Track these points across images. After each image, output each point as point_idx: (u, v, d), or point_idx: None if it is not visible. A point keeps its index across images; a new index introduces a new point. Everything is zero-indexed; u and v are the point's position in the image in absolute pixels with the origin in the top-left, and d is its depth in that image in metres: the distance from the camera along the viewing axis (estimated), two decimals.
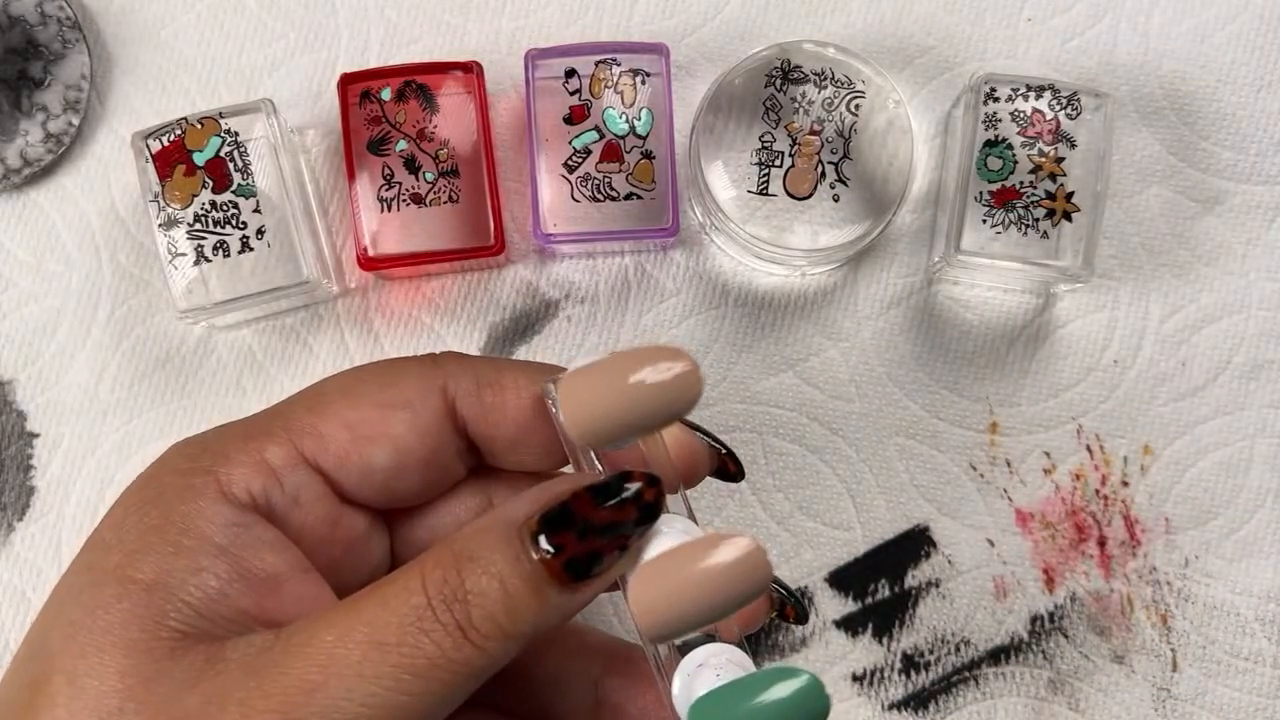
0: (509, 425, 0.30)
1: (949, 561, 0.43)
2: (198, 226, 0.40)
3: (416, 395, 0.29)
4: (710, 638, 0.29)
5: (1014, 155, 0.41)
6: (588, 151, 0.41)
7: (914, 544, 0.43)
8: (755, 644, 0.43)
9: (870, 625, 0.42)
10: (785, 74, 0.42)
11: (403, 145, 0.41)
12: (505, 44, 0.44)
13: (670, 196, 0.41)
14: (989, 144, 0.41)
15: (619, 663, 0.32)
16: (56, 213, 0.43)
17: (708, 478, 0.33)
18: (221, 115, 0.40)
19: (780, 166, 0.41)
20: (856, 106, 0.41)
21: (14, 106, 0.43)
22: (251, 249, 0.40)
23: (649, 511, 0.27)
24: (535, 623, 0.26)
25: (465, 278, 0.43)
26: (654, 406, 0.27)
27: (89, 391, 0.43)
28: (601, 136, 0.41)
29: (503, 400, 0.30)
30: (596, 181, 0.41)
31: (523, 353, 0.43)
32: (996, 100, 0.41)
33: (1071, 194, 0.41)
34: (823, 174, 0.41)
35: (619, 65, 0.41)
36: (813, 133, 0.41)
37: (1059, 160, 0.41)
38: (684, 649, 0.28)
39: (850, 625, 0.43)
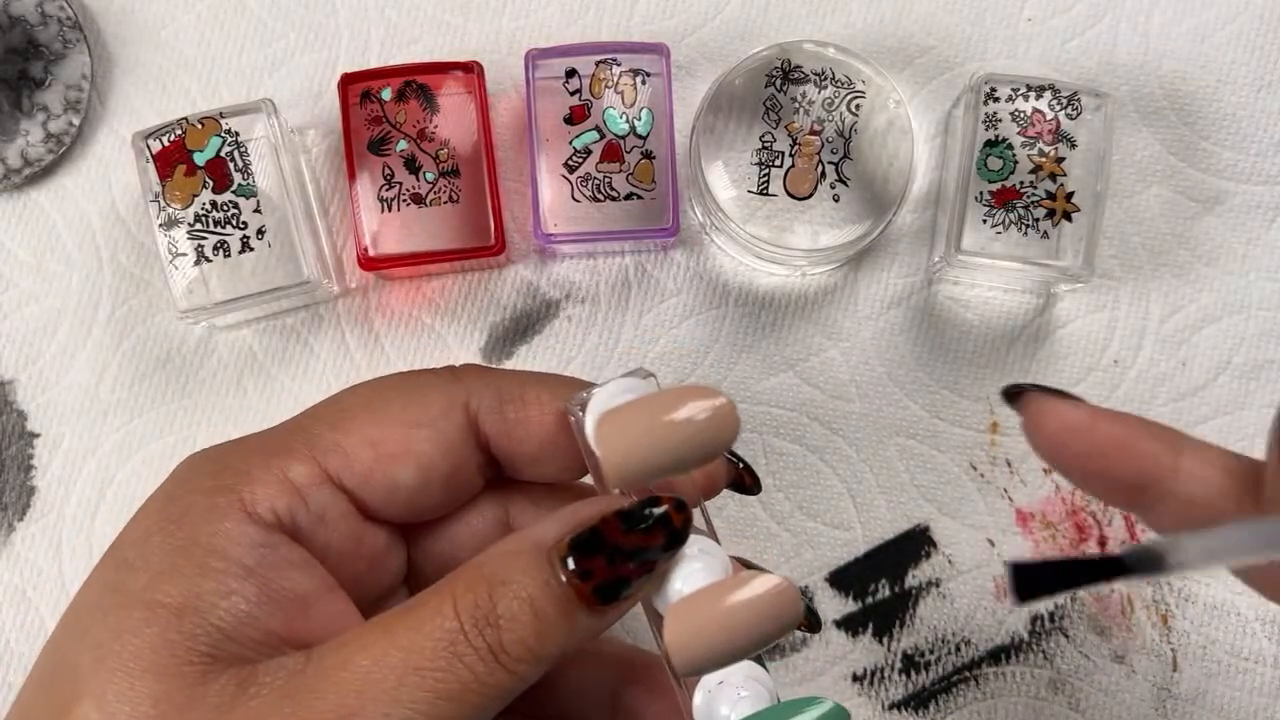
0: (531, 440, 0.30)
1: (949, 561, 0.43)
2: (198, 226, 0.40)
3: (440, 412, 0.29)
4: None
5: (1014, 155, 0.41)
6: (588, 151, 0.41)
7: (914, 544, 0.43)
8: None
9: (870, 625, 0.43)
10: (785, 74, 0.42)
11: (403, 145, 0.41)
12: (505, 44, 0.44)
13: (670, 196, 0.41)
14: (989, 144, 0.41)
15: (637, 672, 0.32)
16: (57, 213, 0.43)
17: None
18: (222, 115, 0.40)
19: (780, 166, 0.41)
20: (857, 106, 0.41)
21: (14, 106, 0.43)
22: (252, 249, 0.40)
23: (677, 536, 0.27)
24: (564, 645, 0.26)
25: (465, 278, 0.43)
26: (692, 448, 0.27)
27: (89, 391, 0.43)
28: (602, 136, 0.41)
29: (525, 416, 0.30)
30: (597, 181, 0.41)
31: (523, 352, 0.43)
32: (997, 100, 0.41)
33: (1072, 194, 0.41)
34: (823, 174, 0.41)
35: (619, 65, 0.41)
36: (813, 133, 0.41)
37: (1059, 160, 0.41)
38: None
39: (850, 625, 0.43)
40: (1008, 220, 0.41)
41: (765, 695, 0.28)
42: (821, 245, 0.41)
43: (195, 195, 0.40)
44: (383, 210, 0.41)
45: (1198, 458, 0.25)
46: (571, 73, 0.41)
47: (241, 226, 0.40)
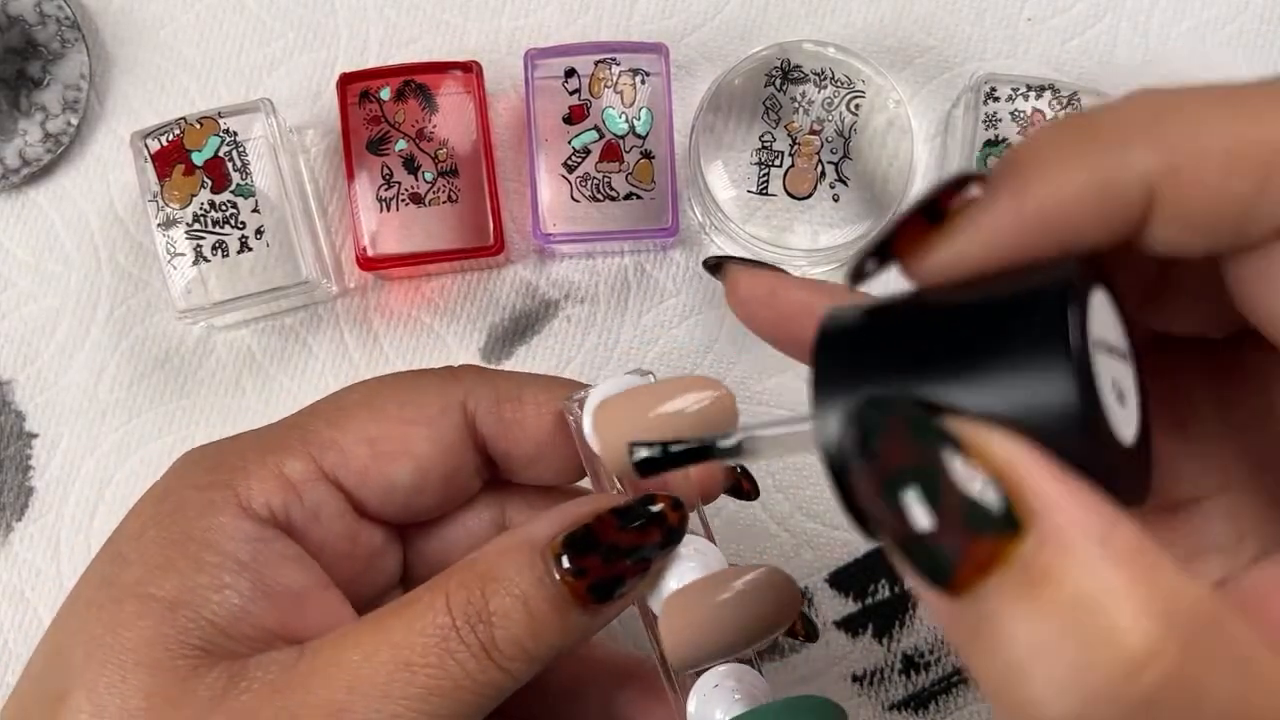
0: (528, 442, 0.30)
1: None
2: (196, 226, 0.40)
3: (437, 411, 0.29)
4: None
5: None
6: (587, 151, 0.41)
7: None
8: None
9: (870, 626, 0.42)
10: (785, 74, 0.42)
11: (402, 145, 0.41)
12: (505, 43, 0.44)
13: (670, 196, 0.41)
14: (989, 144, 0.41)
15: (631, 677, 0.32)
16: (55, 212, 0.43)
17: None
18: (220, 115, 0.40)
19: (780, 166, 0.41)
20: (856, 106, 0.41)
21: (13, 106, 0.43)
22: (250, 249, 0.40)
23: (673, 534, 0.27)
24: (558, 644, 0.26)
25: (465, 278, 0.43)
26: (688, 436, 0.27)
27: (88, 391, 0.43)
28: (601, 136, 0.41)
29: (522, 416, 0.30)
30: (596, 181, 0.41)
31: (522, 353, 0.43)
32: (997, 100, 0.41)
33: None
34: (823, 174, 0.41)
35: (619, 65, 0.41)
36: (813, 132, 0.41)
37: None
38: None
39: (850, 626, 0.42)
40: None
41: (760, 699, 0.28)
42: (821, 245, 0.41)
43: (193, 195, 0.40)
44: (381, 210, 0.41)
45: None
46: (571, 72, 0.41)
47: (240, 226, 0.40)
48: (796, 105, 0.41)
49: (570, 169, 0.41)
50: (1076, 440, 0.17)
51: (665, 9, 0.44)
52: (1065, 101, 0.41)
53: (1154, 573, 0.16)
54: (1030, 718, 0.16)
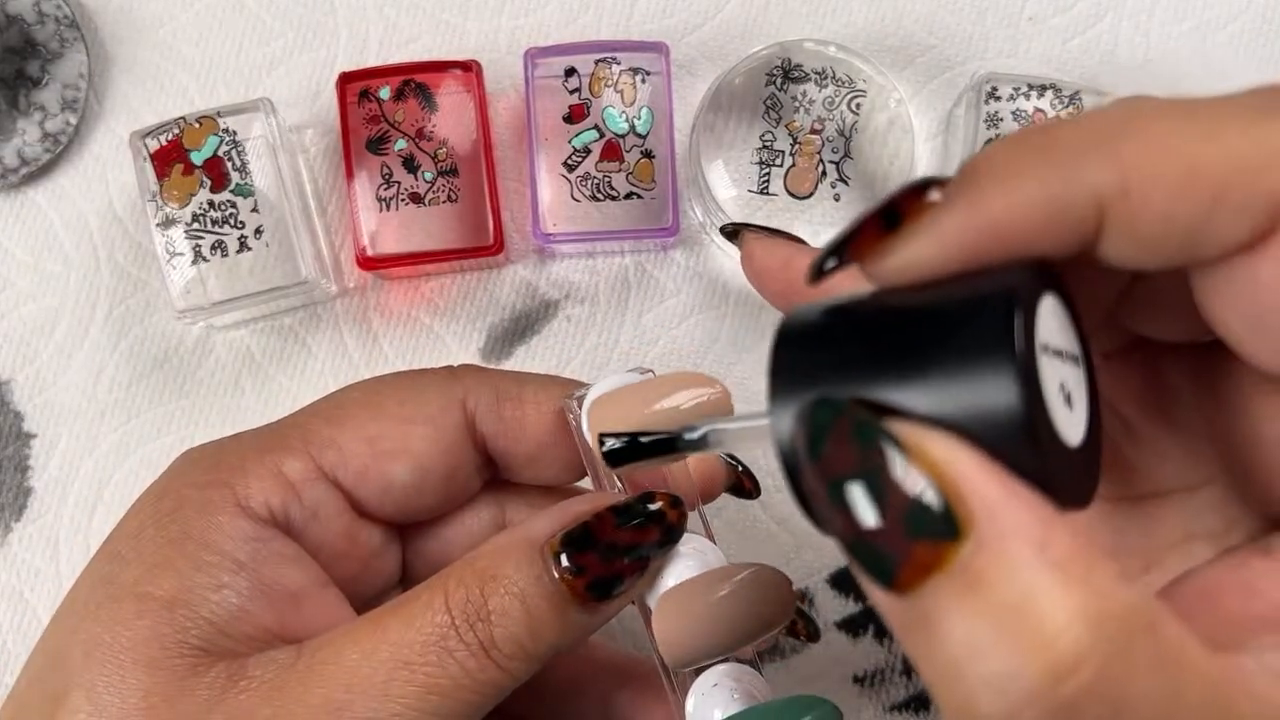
0: (528, 441, 0.30)
1: None
2: (195, 226, 0.40)
3: (437, 410, 0.29)
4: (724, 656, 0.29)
5: None
6: (587, 151, 0.41)
7: None
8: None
9: (871, 626, 0.42)
10: (786, 73, 0.41)
11: (401, 144, 0.41)
12: (504, 43, 0.44)
13: (670, 196, 0.41)
14: (991, 143, 0.41)
15: (629, 678, 0.32)
16: (54, 212, 0.43)
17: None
18: (219, 114, 0.40)
19: (781, 165, 0.41)
20: (857, 105, 0.41)
21: (11, 105, 0.43)
22: (249, 249, 0.40)
23: (671, 533, 0.27)
24: (557, 642, 0.26)
25: (464, 277, 0.43)
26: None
27: (87, 392, 0.43)
28: (601, 135, 0.41)
29: (522, 415, 0.30)
30: (596, 181, 0.41)
31: (522, 353, 0.43)
32: (998, 99, 0.41)
33: None
34: (824, 173, 0.41)
35: (619, 64, 0.41)
36: (814, 131, 0.41)
37: None
38: (698, 668, 0.28)
39: (851, 627, 0.42)
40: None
41: (759, 699, 0.27)
42: (823, 245, 0.41)
43: (193, 194, 0.40)
44: (381, 210, 0.41)
45: None
46: (571, 71, 0.41)
47: (239, 226, 0.40)
48: (797, 104, 0.41)
49: (570, 168, 0.41)
50: (1018, 443, 0.17)
51: (666, 8, 0.44)
52: (1067, 101, 0.41)
53: (1088, 578, 0.16)
54: (964, 715, 0.17)
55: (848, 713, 0.42)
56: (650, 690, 0.31)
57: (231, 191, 0.40)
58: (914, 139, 0.41)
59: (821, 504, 0.18)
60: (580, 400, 0.29)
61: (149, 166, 0.40)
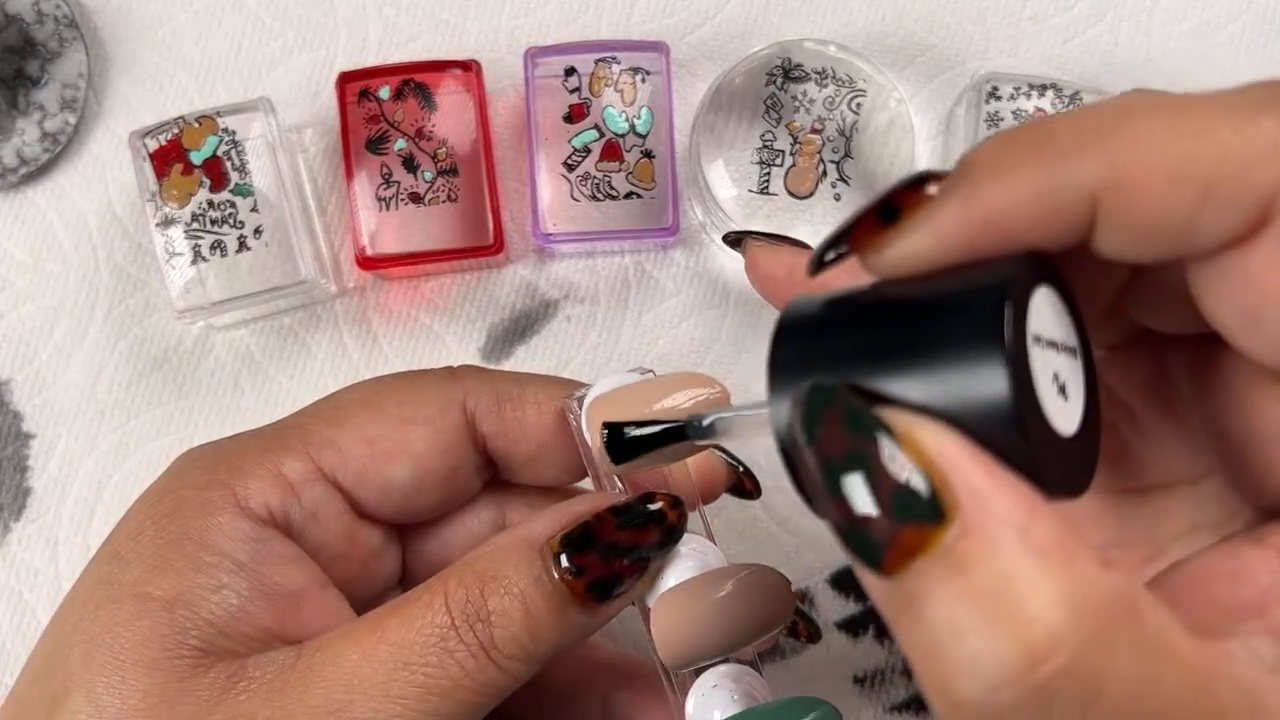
0: (529, 441, 0.30)
1: None
2: (195, 226, 0.40)
3: (437, 410, 0.29)
4: (724, 657, 0.29)
5: None
6: (587, 150, 0.41)
7: None
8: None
9: (872, 627, 0.42)
10: (786, 72, 0.41)
11: (401, 144, 0.41)
12: (504, 42, 0.44)
13: (670, 196, 0.41)
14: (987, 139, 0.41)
15: (629, 679, 0.32)
16: (53, 212, 0.43)
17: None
18: (219, 114, 0.40)
19: (781, 165, 0.41)
20: (858, 105, 0.41)
21: (11, 105, 0.43)
22: (249, 248, 0.40)
23: (671, 533, 0.27)
24: (557, 643, 0.26)
25: (464, 277, 0.43)
26: None
27: (86, 392, 0.43)
28: (601, 135, 0.41)
29: (523, 415, 0.30)
30: (596, 180, 0.41)
31: (522, 353, 0.43)
32: (998, 99, 0.41)
33: None
34: (824, 173, 0.41)
35: (619, 63, 0.41)
36: (814, 131, 0.41)
37: None
38: (698, 669, 0.28)
39: (851, 627, 0.42)
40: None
41: (759, 700, 0.27)
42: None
43: (192, 194, 0.40)
44: (381, 209, 0.41)
45: None
46: (571, 71, 0.41)
47: (238, 226, 0.40)
48: (798, 104, 0.41)
49: (570, 168, 0.41)
50: (1006, 432, 0.18)
51: (666, 7, 0.44)
52: (1067, 100, 0.41)
53: (1069, 564, 0.17)
54: (944, 695, 0.17)
55: (848, 713, 0.42)
56: (650, 691, 0.31)
57: (231, 191, 0.40)
58: (914, 139, 0.41)
59: (814, 489, 0.18)
60: (580, 400, 0.29)
61: (148, 166, 0.40)
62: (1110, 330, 0.23)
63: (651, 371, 0.29)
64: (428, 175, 0.41)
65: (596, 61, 0.41)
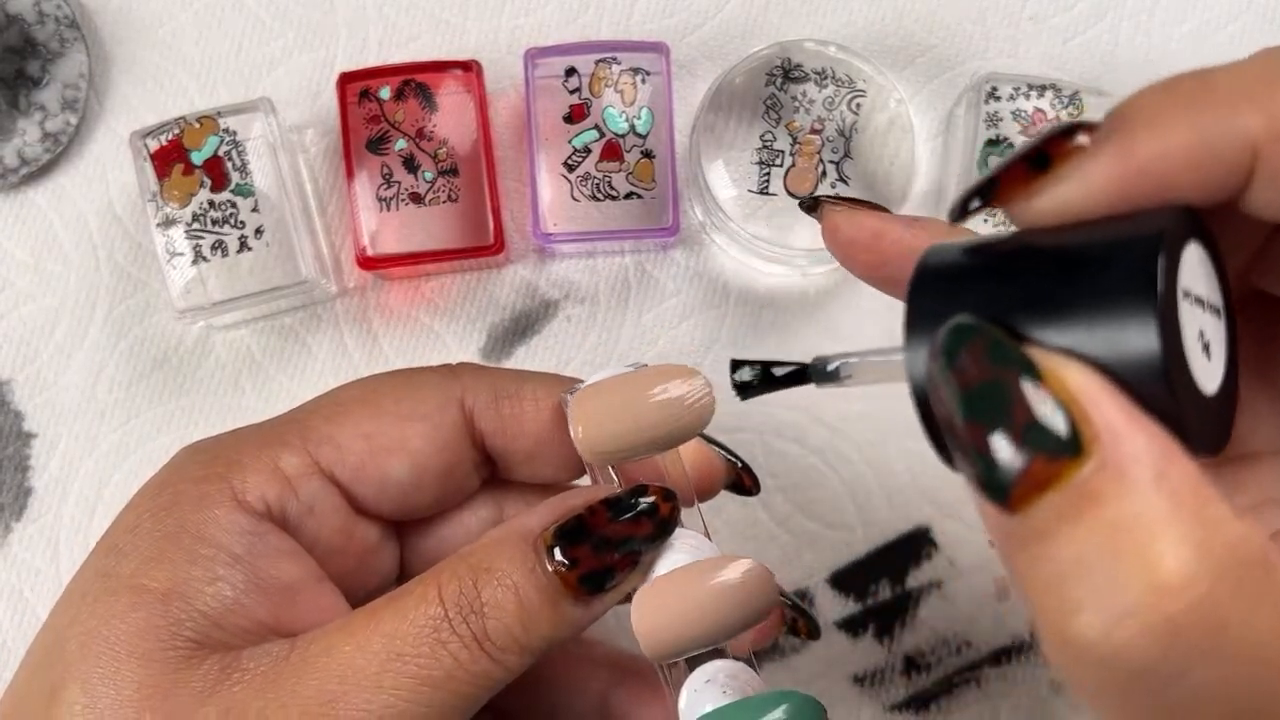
0: (527, 438, 0.30)
1: (950, 562, 0.43)
2: (196, 226, 0.40)
3: (435, 407, 0.29)
4: (719, 653, 0.29)
5: None
6: (587, 150, 0.41)
7: (915, 545, 0.43)
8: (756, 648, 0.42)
9: (871, 626, 0.42)
10: (786, 73, 0.41)
11: (402, 144, 0.41)
12: (505, 42, 0.44)
13: (671, 196, 0.41)
14: (991, 143, 0.41)
15: (626, 675, 0.32)
16: (54, 212, 0.43)
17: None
18: (220, 114, 0.40)
19: (781, 165, 0.41)
20: (858, 105, 0.41)
21: (11, 105, 0.43)
22: (250, 248, 0.40)
23: (664, 526, 0.27)
24: (550, 635, 0.26)
25: (464, 277, 0.43)
26: (665, 425, 0.27)
27: (87, 392, 0.43)
28: (601, 135, 0.41)
29: (521, 412, 0.30)
30: (596, 181, 0.41)
31: (522, 353, 0.43)
32: (998, 99, 0.41)
33: None
34: (824, 173, 0.41)
35: (619, 64, 0.41)
36: (814, 131, 0.41)
37: None
38: (692, 664, 0.28)
39: (851, 626, 0.42)
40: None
41: (752, 694, 0.27)
42: (823, 245, 0.41)
43: (193, 194, 0.40)
44: (381, 209, 0.41)
45: None
46: (571, 71, 0.41)
47: (239, 226, 0.40)
48: (797, 104, 0.41)
49: (570, 168, 0.41)
50: (1154, 384, 0.18)
51: (666, 8, 0.44)
52: (1066, 101, 0.41)
53: (1203, 510, 0.17)
54: (1064, 629, 0.17)
55: (847, 713, 0.42)
56: (647, 687, 0.31)
57: (232, 191, 0.40)
58: (914, 139, 0.41)
59: (948, 421, 0.18)
60: (571, 400, 0.29)
61: (149, 166, 0.40)
62: (1241, 286, 0.23)
63: (646, 366, 0.29)
64: (428, 175, 0.41)
65: (597, 62, 0.41)
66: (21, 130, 0.43)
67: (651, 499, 0.26)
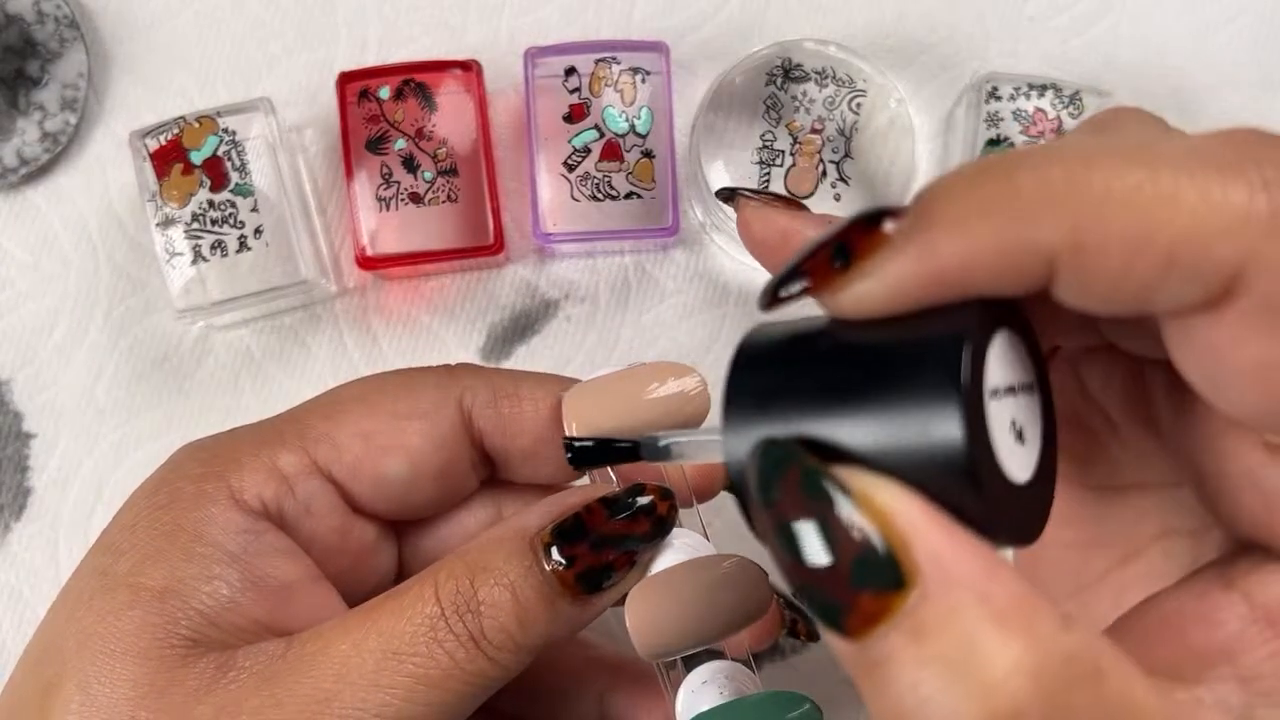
0: (525, 437, 0.30)
1: None
2: (195, 226, 0.40)
3: (432, 406, 0.29)
4: (718, 654, 0.29)
5: None
6: (587, 150, 0.41)
7: None
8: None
9: None
10: (786, 72, 0.41)
11: (401, 144, 0.41)
12: (504, 42, 0.44)
13: (670, 195, 0.41)
14: (991, 143, 0.41)
15: (625, 678, 0.32)
16: (54, 212, 0.43)
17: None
18: (219, 114, 0.40)
19: (781, 165, 0.41)
20: (858, 105, 0.41)
21: (11, 105, 0.43)
22: (249, 248, 0.40)
23: (661, 525, 0.27)
24: (547, 634, 0.26)
25: (464, 277, 0.43)
26: (660, 423, 0.27)
27: (86, 392, 0.43)
28: (601, 135, 0.41)
29: (519, 411, 0.30)
30: (596, 180, 0.41)
31: (522, 352, 0.43)
32: (998, 99, 0.41)
33: None
34: (824, 173, 0.41)
35: (619, 63, 0.41)
36: (814, 131, 0.41)
37: None
38: (690, 665, 0.28)
39: None
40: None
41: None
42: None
43: (192, 194, 0.40)
44: (381, 209, 0.41)
45: None
46: (571, 71, 0.41)
47: (239, 226, 0.40)
48: (798, 104, 0.41)
49: (570, 168, 0.41)
50: (961, 486, 0.18)
51: (666, 7, 0.44)
52: (1067, 100, 0.41)
53: (1030, 629, 0.17)
54: None
55: (848, 713, 0.42)
56: (647, 690, 0.31)
57: (231, 191, 0.40)
58: (914, 139, 0.41)
59: (772, 548, 0.18)
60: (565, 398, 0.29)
61: (148, 166, 0.40)
62: (1090, 333, 0.23)
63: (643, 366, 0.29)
64: (428, 175, 0.41)
65: (596, 61, 0.41)
66: (21, 130, 0.43)
67: (649, 498, 0.26)
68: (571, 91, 0.41)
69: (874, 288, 0.19)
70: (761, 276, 0.45)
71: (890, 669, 0.17)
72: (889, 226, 0.19)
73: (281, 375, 0.43)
